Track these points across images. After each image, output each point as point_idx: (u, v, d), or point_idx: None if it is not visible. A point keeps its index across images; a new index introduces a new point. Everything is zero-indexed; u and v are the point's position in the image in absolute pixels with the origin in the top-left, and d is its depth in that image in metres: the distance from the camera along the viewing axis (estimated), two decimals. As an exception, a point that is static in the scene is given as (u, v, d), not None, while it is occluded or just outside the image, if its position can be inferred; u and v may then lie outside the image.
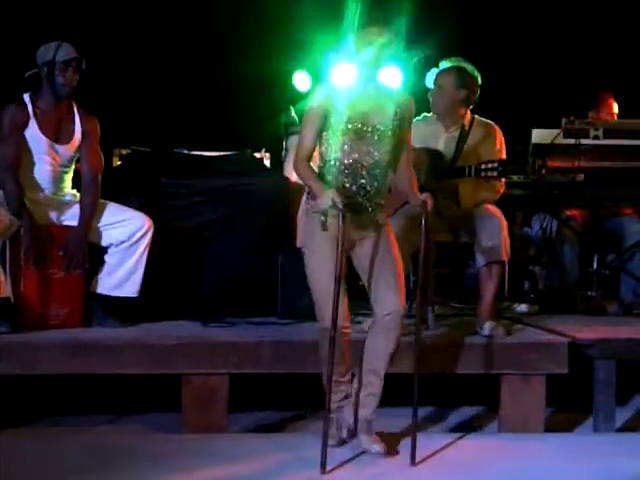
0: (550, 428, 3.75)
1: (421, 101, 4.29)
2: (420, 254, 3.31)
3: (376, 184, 3.28)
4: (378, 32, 3.21)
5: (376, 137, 3.26)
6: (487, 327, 3.90)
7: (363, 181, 3.26)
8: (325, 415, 3.21)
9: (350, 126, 3.23)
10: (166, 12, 5.76)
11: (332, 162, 3.26)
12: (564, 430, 3.83)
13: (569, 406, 4.04)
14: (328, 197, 3.11)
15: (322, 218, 3.13)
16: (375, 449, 3.29)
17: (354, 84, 3.30)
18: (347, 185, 3.25)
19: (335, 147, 3.25)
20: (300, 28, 5.27)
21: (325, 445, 3.15)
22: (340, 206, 3.11)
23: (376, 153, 3.26)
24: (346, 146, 3.24)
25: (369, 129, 3.25)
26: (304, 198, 3.35)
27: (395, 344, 3.30)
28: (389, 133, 3.28)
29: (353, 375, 3.35)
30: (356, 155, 3.25)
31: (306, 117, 3.28)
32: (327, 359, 3.21)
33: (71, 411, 3.91)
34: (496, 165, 3.89)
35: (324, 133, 3.25)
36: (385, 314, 3.26)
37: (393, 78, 5.39)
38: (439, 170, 4.08)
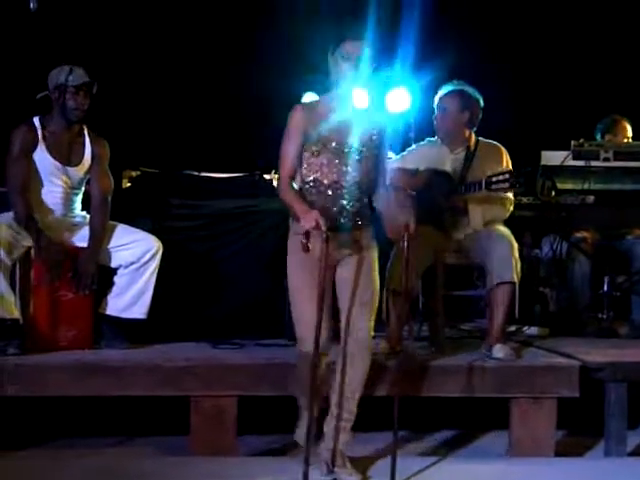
0: (561, 452, 3.72)
1: (431, 123, 4.31)
2: (403, 278, 3.28)
3: (357, 204, 3.25)
4: (354, 47, 3.18)
5: (354, 157, 3.24)
6: (497, 349, 3.87)
7: (344, 202, 3.23)
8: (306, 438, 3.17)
9: (328, 146, 3.21)
10: (175, 33, 5.80)
11: (312, 183, 3.24)
12: (575, 454, 3.79)
13: (580, 430, 4.00)
14: (311, 218, 3.08)
15: (303, 240, 3.10)
16: None
17: (331, 102, 3.27)
18: (328, 205, 3.22)
19: (314, 168, 3.23)
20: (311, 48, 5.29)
21: (307, 471, 3.12)
22: (323, 228, 3.08)
23: (355, 173, 3.23)
24: (324, 167, 3.22)
25: (347, 149, 3.23)
26: (290, 220, 3.30)
27: (364, 373, 3.25)
28: (367, 153, 3.25)
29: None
30: (335, 175, 3.22)
31: (285, 138, 3.23)
32: (304, 383, 3.19)
33: (79, 433, 3.90)
34: (507, 177, 3.90)
35: (304, 154, 3.23)
36: (352, 341, 3.22)
37: (402, 100, 5.42)
38: (448, 189, 4.08)
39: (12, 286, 3.82)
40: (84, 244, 3.97)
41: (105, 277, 3.99)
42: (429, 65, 5.43)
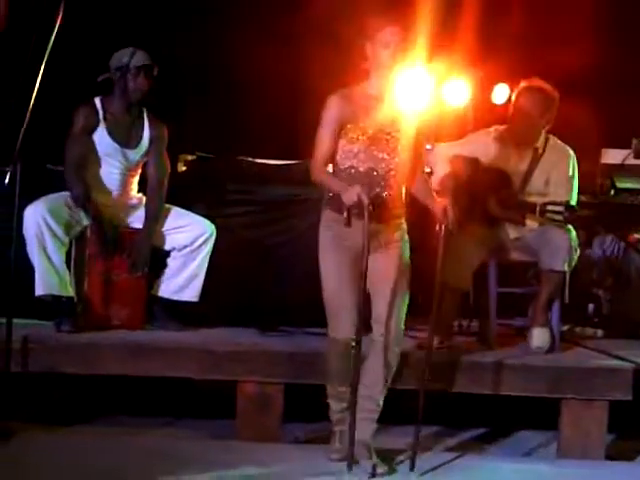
0: (611, 456, 3.67)
1: (486, 115, 4.23)
2: (437, 264, 3.24)
3: (393, 192, 3.24)
4: (393, 33, 3.16)
5: (391, 144, 3.22)
6: (535, 335, 3.88)
7: (378, 189, 3.21)
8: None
9: (364, 133, 3.19)
10: (234, 18, 5.80)
11: (347, 170, 3.22)
12: (626, 458, 3.73)
13: (631, 433, 3.93)
14: (353, 192, 3.07)
15: (345, 214, 3.10)
16: (376, 471, 3.22)
17: (369, 90, 3.25)
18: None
19: (350, 155, 3.21)
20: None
21: (350, 462, 3.14)
22: (366, 201, 3.07)
23: (391, 160, 3.22)
24: (361, 153, 3.20)
25: (384, 136, 3.21)
26: (322, 210, 3.29)
27: (392, 366, 3.24)
28: (404, 141, 3.23)
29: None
30: (371, 163, 3.21)
31: (322, 124, 3.22)
32: (334, 372, 3.21)
33: (128, 412, 3.95)
34: (562, 209, 3.78)
35: (340, 141, 3.21)
36: (381, 334, 3.21)
37: (460, 92, 5.35)
38: (506, 199, 4.01)
39: (67, 264, 3.88)
40: (139, 225, 4.01)
41: (159, 259, 4.03)
42: (487, 57, 5.36)
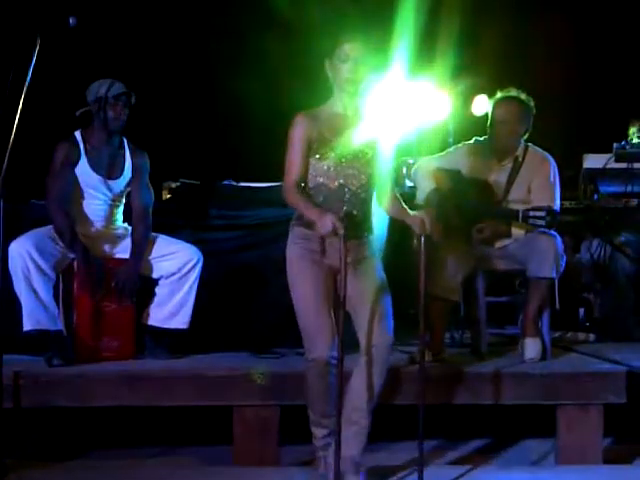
0: (609, 460, 3.65)
1: (467, 127, 4.26)
2: (420, 277, 3.19)
3: (363, 208, 3.22)
4: (351, 48, 3.14)
5: (362, 160, 3.20)
6: (527, 345, 3.87)
7: (350, 206, 3.19)
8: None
9: (333, 150, 3.17)
10: (215, 46, 5.84)
11: (318, 187, 3.20)
12: (623, 462, 3.72)
13: (628, 437, 3.93)
14: (328, 222, 3.03)
15: (319, 244, 3.10)
16: None
17: (333, 107, 3.24)
18: (334, 210, 3.13)
19: (320, 172, 3.19)
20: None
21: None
22: (341, 231, 3.03)
23: (362, 176, 3.20)
24: (331, 170, 3.18)
25: (354, 152, 3.19)
26: (291, 227, 3.27)
27: (382, 379, 3.18)
28: (373, 156, 3.21)
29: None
30: (341, 179, 3.19)
31: (290, 144, 3.18)
32: (316, 393, 3.14)
33: (123, 443, 3.92)
34: (544, 214, 3.79)
35: (309, 159, 3.18)
36: (369, 346, 3.16)
37: (441, 106, 5.39)
38: (488, 209, 4.03)
39: (55, 297, 3.87)
40: (126, 256, 4.00)
41: (147, 288, 4.02)
42: (468, 70, 5.41)
